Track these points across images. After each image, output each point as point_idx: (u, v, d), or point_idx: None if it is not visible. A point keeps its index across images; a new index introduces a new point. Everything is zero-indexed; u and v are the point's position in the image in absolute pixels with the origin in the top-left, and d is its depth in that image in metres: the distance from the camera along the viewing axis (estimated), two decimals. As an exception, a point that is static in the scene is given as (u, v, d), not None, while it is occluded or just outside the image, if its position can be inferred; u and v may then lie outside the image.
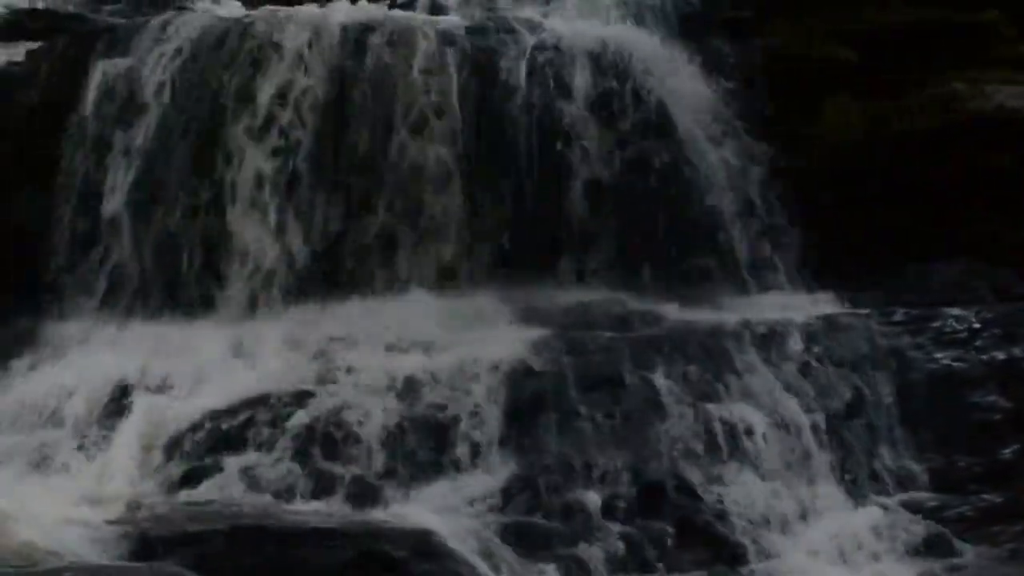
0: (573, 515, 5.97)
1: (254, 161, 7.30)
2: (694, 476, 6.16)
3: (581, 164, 7.57)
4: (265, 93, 7.39)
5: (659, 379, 6.59)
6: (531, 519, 5.95)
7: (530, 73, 7.66)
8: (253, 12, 7.91)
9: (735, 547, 5.91)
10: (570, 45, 7.77)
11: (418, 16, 8.31)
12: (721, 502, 6.07)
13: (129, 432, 6.29)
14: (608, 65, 7.76)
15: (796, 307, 7.26)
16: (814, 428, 6.44)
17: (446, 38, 7.71)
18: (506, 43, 7.79)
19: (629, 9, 8.38)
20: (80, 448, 6.27)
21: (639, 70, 7.74)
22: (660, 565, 5.80)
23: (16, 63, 7.65)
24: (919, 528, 6.01)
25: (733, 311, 7.20)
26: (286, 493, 5.98)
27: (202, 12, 8.06)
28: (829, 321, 7.03)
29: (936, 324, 7.01)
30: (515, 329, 6.93)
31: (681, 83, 7.90)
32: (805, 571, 5.82)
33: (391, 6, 8.72)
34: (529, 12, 8.44)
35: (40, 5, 8.37)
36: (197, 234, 7.23)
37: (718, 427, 6.39)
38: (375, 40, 7.63)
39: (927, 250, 7.70)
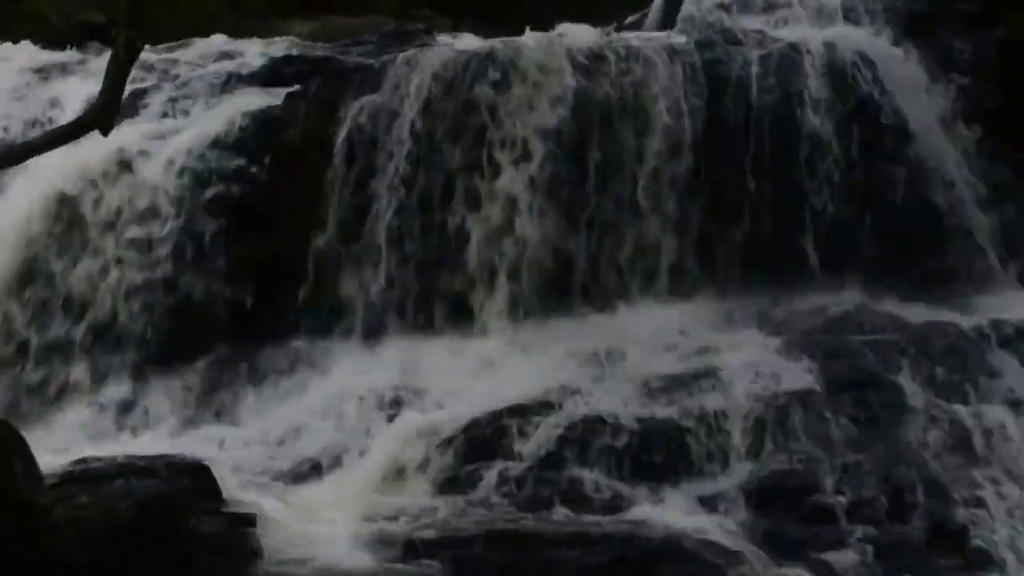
0: (820, 518, 5.78)
1: (504, 184, 7.39)
2: (945, 479, 5.86)
3: (818, 168, 7.36)
4: (509, 118, 7.48)
5: (906, 381, 6.35)
6: (779, 522, 5.79)
7: (760, 82, 7.51)
8: (489, 42, 8.04)
9: (991, 552, 5.58)
10: (798, 51, 7.59)
11: (645, 35, 8.28)
12: (975, 506, 5.75)
13: (390, 442, 6.42)
14: (838, 68, 7.53)
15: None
16: (1072, 429, 6.08)
17: (676, 54, 7.64)
18: (734, 54, 7.66)
19: (857, 11, 8.13)
20: (344, 458, 6.45)
21: (870, 71, 7.48)
22: (912, 571, 5.55)
23: (276, 106, 8.00)
24: None
25: (980, 311, 6.85)
26: (539, 498, 6.00)
27: (442, 46, 8.25)
28: (1084, 317, 6.63)
29: None
30: (761, 333, 6.79)
31: (914, 81, 7.61)
32: (1069, 579, 5.47)
33: (618, 28, 8.73)
34: (755, 22, 8.29)
35: (294, 51, 8.72)
36: (449, 254, 7.37)
37: (970, 429, 6.09)
38: (607, 61, 7.62)
39: None
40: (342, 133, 7.68)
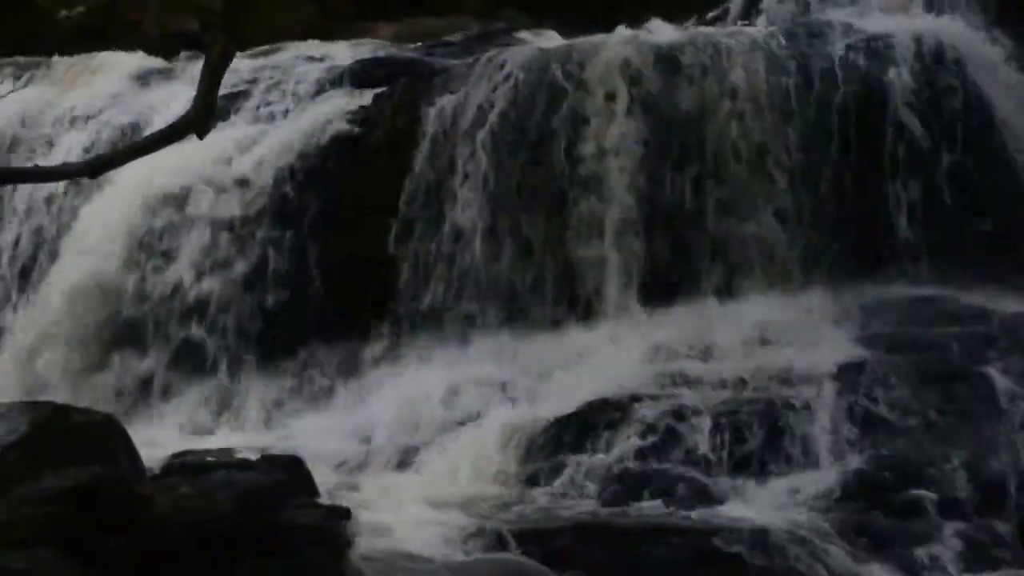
0: (909, 514, 5.69)
1: (582, 181, 7.40)
2: (1038, 473, 5.77)
3: (903, 160, 7.28)
4: (593, 116, 7.47)
5: (994, 374, 6.23)
6: (867, 517, 5.71)
7: (845, 73, 7.43)
8: (571, 41, 8.06)
9: (1086, 547, 5.49)
10: (884, 42, 7.49)
11: (727, 28, 8.24)
12: (1070, 500, 5.66)
13: (479, 436, 6.47)
14: (923, 59, 7.43)
15: None
16: None
17: (758, 48, 7.59)
18: (818, 46, 7.60)
19: (943, 0, 8.01)
20: (434, 451, 6.50)
21: (956, 61, 7.36)
22: (1005, 566, 5.45)
23: (365, 107, 8.10)
24: None
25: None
26: (626, 491, 6.01)
27: (524, 46, 8.28)
28: None
29: None
30: (844, 327, 6.72)
31: (1001, 69, 7.47)
32: None
33: (698, 21, 8.70)
34: (838, 13, 8.21)
35: (381, 53, 8.83)
36: (538, 253, 7.39)
37: (1063, 421, 5.98)
38: (687, 57, 7.60)
39: None
40: (426, 131, 7.75)
